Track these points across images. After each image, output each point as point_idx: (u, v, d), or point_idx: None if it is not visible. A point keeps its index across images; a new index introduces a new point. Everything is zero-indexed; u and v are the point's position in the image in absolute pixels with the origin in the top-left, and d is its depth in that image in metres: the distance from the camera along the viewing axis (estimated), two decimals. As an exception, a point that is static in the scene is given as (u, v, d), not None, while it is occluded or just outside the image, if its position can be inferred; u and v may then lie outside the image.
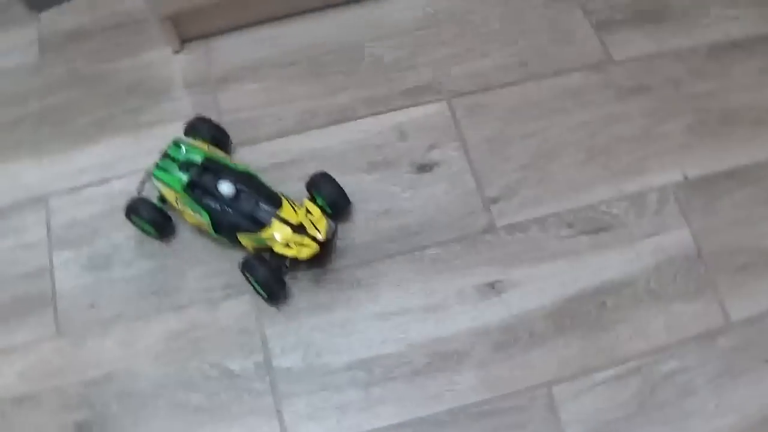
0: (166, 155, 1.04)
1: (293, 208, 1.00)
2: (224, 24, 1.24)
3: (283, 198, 1.01)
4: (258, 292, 1.02)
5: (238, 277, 1.07)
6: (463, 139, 1.16)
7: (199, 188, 1.00)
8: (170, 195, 1.03)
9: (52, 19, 1.29)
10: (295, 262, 1.01)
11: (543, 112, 1.18)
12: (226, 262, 1.09)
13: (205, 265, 1.09)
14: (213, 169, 1.01)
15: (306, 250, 0.98)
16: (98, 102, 1.23)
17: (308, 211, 1.00)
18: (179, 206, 1.03)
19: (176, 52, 1.25)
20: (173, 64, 1.25)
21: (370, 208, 1.11)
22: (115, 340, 1.06)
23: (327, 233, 0.99)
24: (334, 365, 1.02)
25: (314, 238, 0.98)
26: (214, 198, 1.00)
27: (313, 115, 1.19)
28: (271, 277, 0.98)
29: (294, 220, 0.98)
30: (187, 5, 1.14)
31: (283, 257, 0.99)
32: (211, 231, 1.02)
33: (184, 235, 1.10)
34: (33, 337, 1.07)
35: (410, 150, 1.15)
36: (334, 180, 1.05)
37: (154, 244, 1.11)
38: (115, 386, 1.03)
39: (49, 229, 1.14)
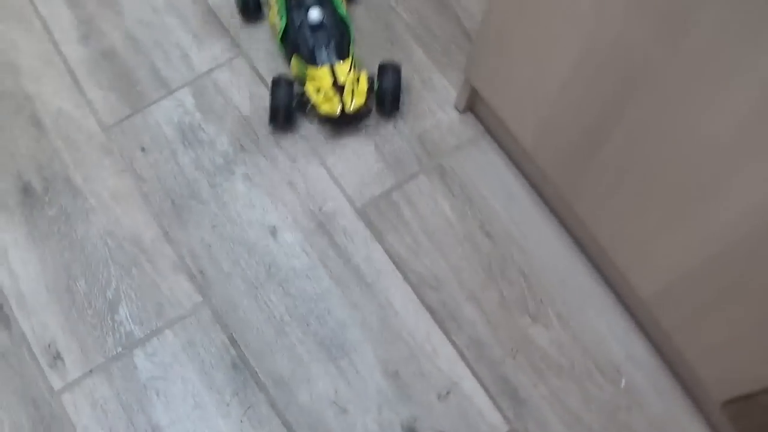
0: None
1: (350, 69, 1.10)
2: (515, 151, 1.18)
3: (351, 58, 1.11)
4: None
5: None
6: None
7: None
8: None
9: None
10: (312, 115, 1.15)
11: None
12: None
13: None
14: None
15: (327, 106, 1.09)
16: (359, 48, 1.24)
17: (358, 80, 1.09)
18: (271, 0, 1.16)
19: (455, 107, 1.22)
20: (440, 110, 1.22)
21: None
22: (116, 185, 1.13)
23: (356, 108, 1.09)
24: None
25: (343, 104, 1.08)
26: (299, 15, 1.11)
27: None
28: (283, 106, 1.10)
29: (340, 78, 1.09)
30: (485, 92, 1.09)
31: (308, 99, 1.09)
32: (278, 38, 1.15)
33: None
34: (93, 96, 1.16)
35: None
36: (400, 78, 1.14)
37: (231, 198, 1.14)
38: (73, 204, 1.10)
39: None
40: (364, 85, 1.10)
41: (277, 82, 1.11)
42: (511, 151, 1.19)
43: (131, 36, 1.23)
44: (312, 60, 1.10)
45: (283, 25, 1.12)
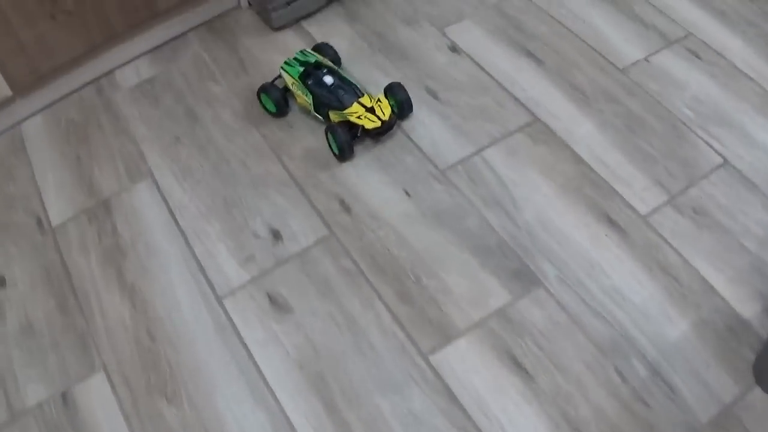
0: (294, 58, 1.66)
1: (370, 98, 1.59)
2: None
3: (365, 92, 1.60)
4: (333, 152, 1.59)
5: None
6: None
7: (309, 78, 1.61)
8: (289, 80, 1.65)
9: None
10: (363, 135, 1.58)
11: None
12: None
13: None
14: (322, 67, 1.63)
15: (371, 123, 1.56)
16: None
17: (379, 101, 1.58)
18: (294, 89, 1.64)
19: None
20: None
21: None
22: None
23: (388, 117, 1.56)
24: None
25: (379, 117, 1.55)
26: (319, 85, 1.60)
27: None
28: (345, 140, 1.54)
29: (368, 105, 1.57)
30: None
31: (355, 128, 1.56)
32: (312, 109, 1.63)
33: None
34: None
35: None
36: (405, 90, 1.61)
37: None
38: None
39: None
40: (385, 101, 1.58)
41: (332, 128, 1.55)
42: None
43: None
44: (343, 105, 1.57)
45: (311, 99, 1.61)
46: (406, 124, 1.63)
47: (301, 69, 1.63)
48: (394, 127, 1.60)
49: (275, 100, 1.65)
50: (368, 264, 1.43)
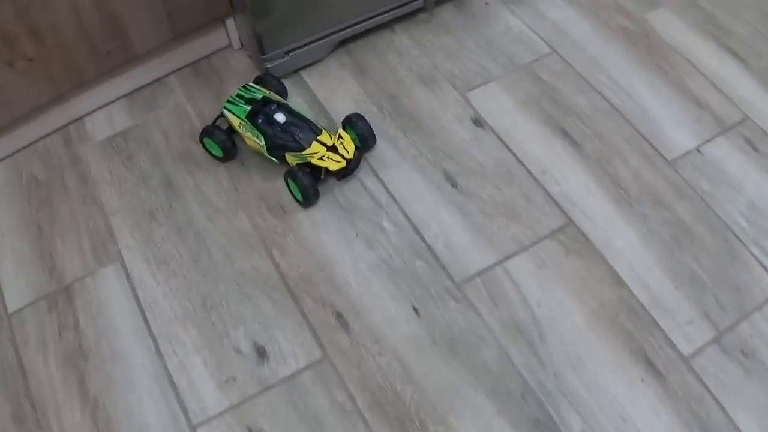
0: (236, 95, 1.48)
1: (329, 135, 1.44)
2: None
3: (322, 128, 1.45)
4: (295, 198, 1.44)
5: None
6: None
7: (258, 116, 1.43)
8: (235, 121, 1.46)
9: None
10: (327, 176, 1.45)
11: None
12: None
13: None
14: (270, 103, 1.45)
15: (335, 163, 1.42)
16: None
17: (340, 137, 1.44)
18: (242, 131, 1.46)
19: None
20: None
21: None
22: None
23: (353, 154, 1.43)
24: None
25: (343, 156, 1.41)
26: (270, 124, 1.43)
27: None
28: (309, 184, 1.40)
29: (329, 143, 1.42)
30: None
31: (318, 170, 1.42)
32: (265, 152, 1.45)
33: None
34: None
35: None
36: (365, 120, 1.47)
37: None
38: None
39: None
40: (346, 136, 1.44)
41: (293, 172, 1.40)
42: None
43: None
44: (300, 146, 1.41)
45: (263, 140, 1.43)
46: (418, 219, 1.42)
47: (248, 108, 1.45)
48: (360, 162, 1.49)
49: (221, 144, 1.47)
50: (366, 400, 1.25)
